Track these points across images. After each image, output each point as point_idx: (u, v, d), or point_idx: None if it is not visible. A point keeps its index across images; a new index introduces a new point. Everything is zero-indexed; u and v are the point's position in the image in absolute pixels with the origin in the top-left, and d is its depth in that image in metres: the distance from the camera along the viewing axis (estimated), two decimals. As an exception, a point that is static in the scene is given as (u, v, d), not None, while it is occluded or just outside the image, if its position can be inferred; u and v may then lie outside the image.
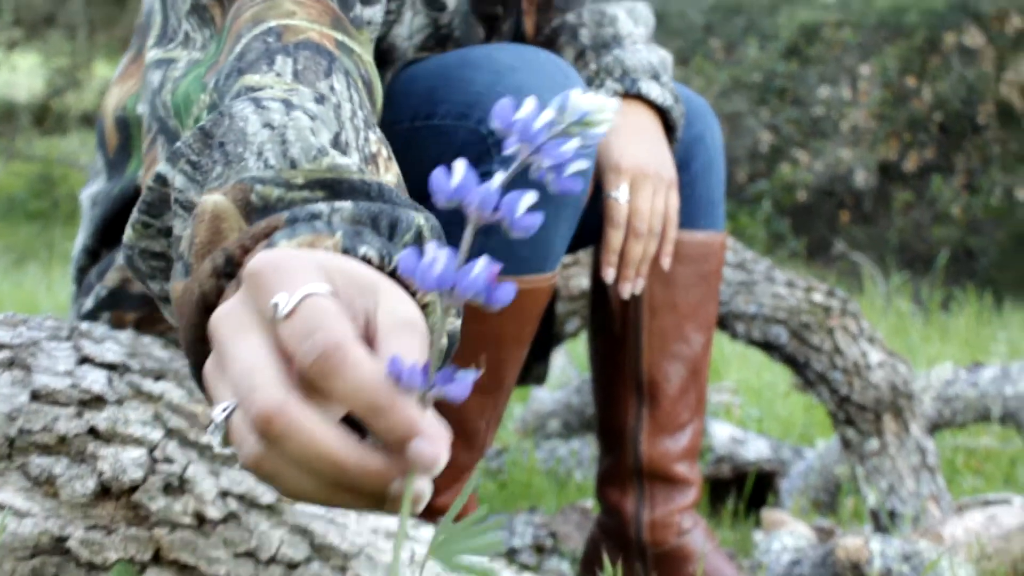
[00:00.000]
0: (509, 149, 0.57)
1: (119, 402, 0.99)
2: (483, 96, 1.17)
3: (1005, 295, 11.20)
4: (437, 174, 0.57)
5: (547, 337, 1.63)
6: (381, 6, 1.08)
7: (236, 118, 0.76)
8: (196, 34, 1.03)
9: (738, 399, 3.31)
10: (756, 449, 2.60)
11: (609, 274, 1.40)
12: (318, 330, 0.54)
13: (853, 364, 2.07)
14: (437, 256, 0.54)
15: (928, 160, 9.49)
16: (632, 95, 1.45)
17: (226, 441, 0.59)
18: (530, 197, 0.56)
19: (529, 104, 0.57)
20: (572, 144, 0.56)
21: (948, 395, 2.45)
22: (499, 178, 0.56)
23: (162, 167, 0.77)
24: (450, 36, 1.34)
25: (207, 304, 0.65)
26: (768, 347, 2.11)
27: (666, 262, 1.44)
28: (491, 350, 1.30)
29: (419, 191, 0.82)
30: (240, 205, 0.69)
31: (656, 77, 1.46)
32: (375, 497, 0.55)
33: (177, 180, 0.76)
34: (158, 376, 1.05)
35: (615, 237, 1.38)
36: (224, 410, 0.58)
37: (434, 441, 0.53)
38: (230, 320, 0.60)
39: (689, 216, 1.56)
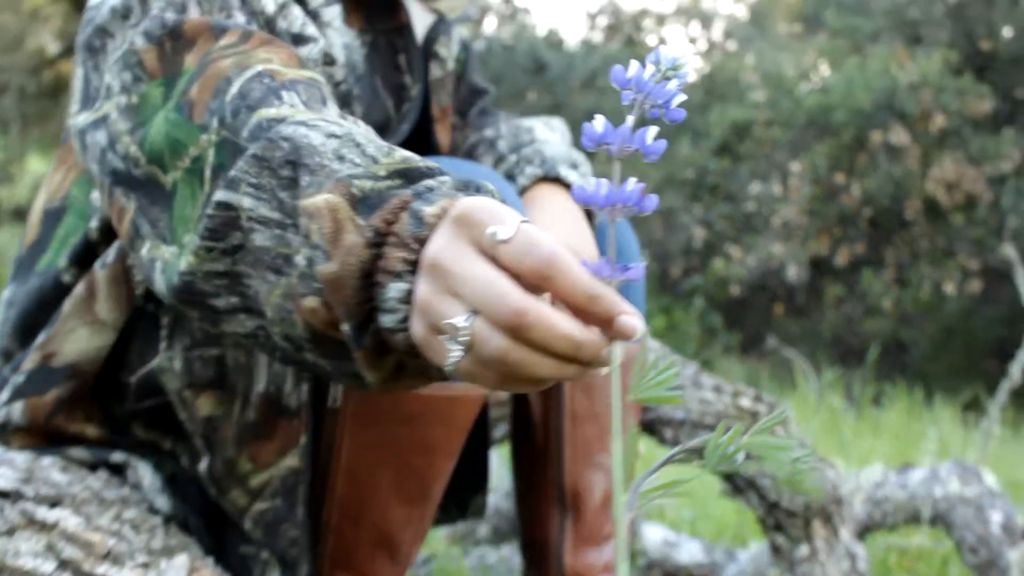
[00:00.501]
0: (628, 100, 0.72)
1: (9, 532, 0.95)
2: None
3: (936, 389, 11.33)
4: (587, 126, 0.72)
5: (483, 467, 1.60)
6: (312, 45, 1.15)
7: (295, 139, 0.87)
8: (120, 84, 1.05)
9: (671, 500, 3.28)
10: (689, 552, 2.56)
11: None
12: (537, 246, 0.70)
13: (781, 469, 2.06)
14: (600, 183, 0.71)
15: (858, 255, 9.65)
16: (551, 179, 1.45)
17: (468, 347, 0.72)
18: (653, 130, 0.72)
19: (634, 65, 0.73)
20: (672, 84, 0.72)
21: (878, 497, 2.44)
22: (630, 121, 0.72)
23: (222, 195, 0.88)
24: (350, 94, 1.31)
25: (366, 271, 0.78)
26: (695, 453, 2.09)
27: None
28: (419, 458, 1.27)
29: None
30: (347, 198, 0.81)
31: (574, 167, 1.47)
32: (594, 363, 0.71)
33: (245, 202, 0.87)
34: (54, 503, 1.01)
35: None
36: (466, 319, 0.71)
37: (633, 315, 0.70)
38: (450, 252, 0.73)
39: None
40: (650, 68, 0.73)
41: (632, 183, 0.72)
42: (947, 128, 8.66)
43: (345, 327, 0.81)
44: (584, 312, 0.71)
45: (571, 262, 0.71)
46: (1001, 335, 13.06)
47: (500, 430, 2.22)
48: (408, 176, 0.83)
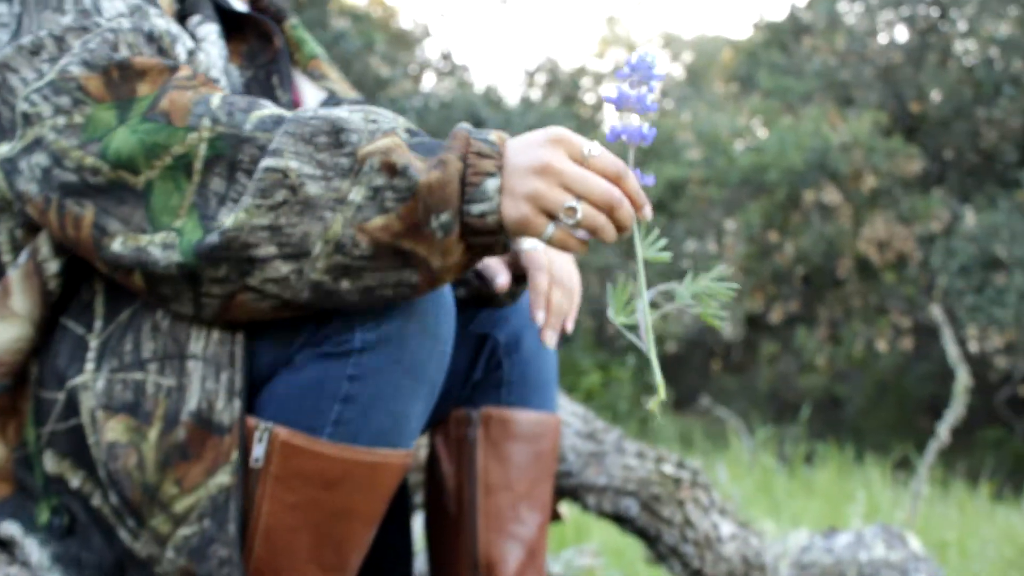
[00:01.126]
0: (618, 103, 1.11)
1: None
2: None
3: (868, 446, 11.41)
4: (612, 128, 1.12)
5: (406, 537, 1.57)
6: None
7: (325, 115, 1.10)
8: (52, 108, 1.13)
9: (600, 561, 3.24)
10: (615, 619, 2.52)
11: (539, 317, 1.37)
12: (613, 160, 1.08)
13: (704, 537, 2.03)
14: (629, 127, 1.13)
15: (792, 312, 9.73)
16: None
17: (578, 223, 1.07)
18: (648, 126, 1.12)
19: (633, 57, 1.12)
20: (645, 91, 1.11)
21: (804, 562, 2.42)
22: (635, 121, 1.12)
23: (269, 161, 1.08)
24: None
25: (461, 176, 1.07)
26: (619, 520, 2.06)
27: (570, 326, 1.43)
28: (339, 525, 1.24)
29: (281, 353, 1.21)
30: (402, 140, 1.09)
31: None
32: (627, 228, 1.09)
33: (292, 164, 1.08)
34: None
35: (542, 280, 1.39)
36: (577, 202, 1.06)
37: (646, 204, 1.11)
38: (557, 159, 1.07)
39: (521, 397, 1.54)
40: (627, 74, 1.12)
41: (646, 127, 1.12)
42: (878, 188, 8.79)
43: (444, 216, 1.06)
44: (633, 200, 1.09)
45: (629, 172, 1.10)
46: (933, 392, 13.22)
47: (417, 497, 2.18)
48: (415, 133, 1.12)
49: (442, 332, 1.20)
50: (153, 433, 1.15)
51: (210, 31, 1.33)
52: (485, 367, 1.56)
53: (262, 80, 1.43)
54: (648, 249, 1.12)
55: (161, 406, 1.16)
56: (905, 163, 8.82)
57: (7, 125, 1.18)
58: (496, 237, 1.09)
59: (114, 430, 1.16)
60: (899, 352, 9.76)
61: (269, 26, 1.43)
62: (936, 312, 3.79)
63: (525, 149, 1.08)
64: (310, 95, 1.55)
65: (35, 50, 1.18)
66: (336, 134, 1.10)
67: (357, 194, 1.08)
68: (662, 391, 1.10)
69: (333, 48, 9.51)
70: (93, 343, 1.20)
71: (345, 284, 1.10)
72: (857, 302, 9.27)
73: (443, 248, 1.08)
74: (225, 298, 1.14)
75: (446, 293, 1.21)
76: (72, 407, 1.20)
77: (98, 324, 1.22)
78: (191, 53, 1.25)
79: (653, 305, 1.18)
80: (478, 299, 1.49)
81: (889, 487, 4.78)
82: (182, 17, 1.34)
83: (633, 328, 1.18)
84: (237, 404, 1.16)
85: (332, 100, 1.55)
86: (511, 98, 13.90)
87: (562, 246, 1.10)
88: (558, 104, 13.19)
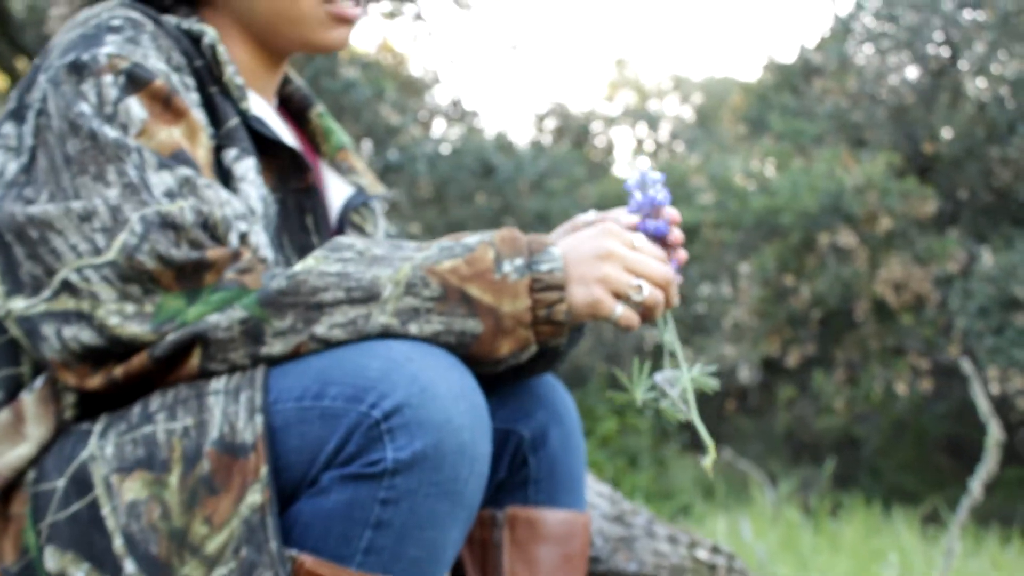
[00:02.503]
0: (634, 211, 1.30)
1: None
2: (378, 382, 1.12)
3: (891, 492, 11.26)
4: (641, 226, 1.29)
5: None
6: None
7: (357, 248, 1.18)
8: (117, 294, 1.14)
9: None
10: None
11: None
12: (658, 250, 1.24)
13: (741, 624, 1.94)
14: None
15: (809, 355, 9.63)
16: None
17: (643, 300, 1.20)
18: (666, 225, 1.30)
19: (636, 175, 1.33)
20: (660, 203, 1.31)
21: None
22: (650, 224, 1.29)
23: (339, 238, 1.20)
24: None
25: (529, 244, 1.19)
26: None
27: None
28: None
29: (304, 471, 1.12)
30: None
31: None
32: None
33: (359, 243, 1.18)
34: None
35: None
36: (639, 285, 1.19)
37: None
38: (616, 247, 1.20)
39: (549, 495, 1.48)
40: (639, 192, 1.30)
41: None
42: (893, 230, 8.71)
43: (518, 261, 1.15)
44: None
45: (666, 257, 1.25)
46: (951, 431, 13.09)
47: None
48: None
49: (480, 450, 1.13)
50: (174, 478, 1.11)
51: (248, 168, 1.31)
52: (510, 465, 1.50)
53: (292, 209, 1.41)
54: (667, 332, 1.30)
55: (177, 448, 1.12)
56: (919, 204, 8.75)
57: (26, 279, 1.17)
58: (560, 294, 1.17)
59: (131, 489, 1.12)
60: (917, 393, 9.65)
61: (303, 159, 1.40)
62: (965, 365, 3.70)
63: (583, 242, 1.21)
64: (337, 189, 1.53)
65: (86, 217, 1.15)
66: (396, 244, 1.21)
67: (427, 251, 1.16)
68: (713, 451, 1.26)
69: (343, 97, 9.50)
70: (98, 427, 1.18)
71: (413, 328, 1.14)
72: (875, 344, 9.17)
73: (513, 292, 1.15)
74: (287, 354, 1.15)
75: (483, 409, 1.14)
76: (76, 489, 1.15)
77: (103, 416, 1.19)
78: (243, 236, 1.24)
79: (653, 389, 1.30)
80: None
81: (918, 541, 4.68)
82: (218, 148, 1.30)
83: (656, 402, 1.29)
84: (259, 419, 1.12)
85: (359, 196, 1.54)
86: (521, 143, 13.90)
87: (627, 324, 1.22)
88: (568, 148, 13.16)
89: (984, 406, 3.68)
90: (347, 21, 1.44)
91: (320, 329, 1.13)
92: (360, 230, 1.55)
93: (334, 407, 1.12)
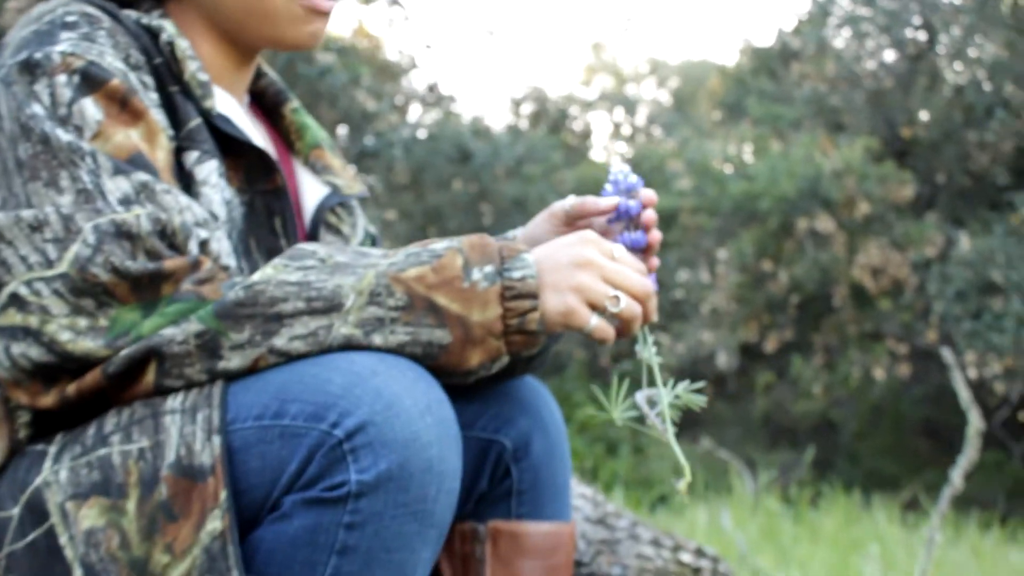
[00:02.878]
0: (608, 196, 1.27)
1: None
2: (340, 399, 1.05)
3: (869, 478, 11.28)
4: (619, 239, 1.27)
5: None
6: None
7: (319, 255, 1.12)
8: (69, 308, 1.09)
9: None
10: None
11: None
12: (638, 262, 1.18)
13: (726, 628, 1.91)
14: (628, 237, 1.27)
15: (787, 341, 9.63)
16: None
17: (619, 312, 1.13)
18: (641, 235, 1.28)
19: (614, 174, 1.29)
20: (633, 202, 1.26)
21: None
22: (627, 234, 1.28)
23: (302, 244, 1.14)
24: (236, 251, 1.29)
25: (500, 249, 1.12)
26: None
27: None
28: None
29: (265, 494, 1.06)
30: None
31: None
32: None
33: (321, 249, 1.12)
34: None
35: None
36: (616, 296, 1.12)
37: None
38: (595, 256, 1.13)
39: (533, 507, 1.42)
40: (611, 188, 1.27)
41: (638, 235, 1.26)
42: (871, 214, 8.70)
43: (488, 268, 1.09)
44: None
45: (644, 268, 1.19)
46: (928, 414, 13.14)
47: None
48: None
49: (449, 466, 1.07)
50: (131, 504, 1.05)
51: (210, 171, 1.24)
52: (491, 476, 1.44)
53: (260, 211, 1.34)
54: (646, 350, 1.24)
55: (133, 472, 1.06)
56: (897, 189, 8.74)
57: None
58: (533, 302, 1.11)
59: (88, 517, 1.06)
60: (895, 377, 9.66)
61: (270, 160, 1.33)
62: (946, 354, 3.68)
63: (559, 249, 1.15)
64: (311, 190, 1.47)
65: (37, 226, 1.09)
66: (361, 251, 1.15)
67: (392, 258, 1.11)
68: (688, 474, 1.19)
69: (319, 83, 9.41)
70: (52, 449, 1.11)
71: (377, 340, 1.09)
72: (852, 329, 9.17)
73: (483, 301, 1.09)
74: (246, 369, 1.09)
75: (452, 422, 1.08)
76: (31, 518, 1.10)
77: (58, 436, 1.13)
78: (203, 244, 1.17)
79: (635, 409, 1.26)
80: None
81: (899, 530, 4.66)
82: (179, 150, 1.23)
83: (639, 420, 1.24)
84: (217, 440, 1.06)
85: (333, 196, 1.47)
86: (498, 127, 13.83)
87: (601, 337, 1.15)
88: (545, 133, 13.11)
89: (965, 395, 3.66)
90: (321, 14, 1.36)
91: (279, 342, 1.08)
92: (336, 231, 1.49)
93: (295, 426, 1.06)
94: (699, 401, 1.25)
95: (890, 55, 9.68)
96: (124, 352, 1.07)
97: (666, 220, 9.68)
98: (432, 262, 1.10)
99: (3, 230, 1.09)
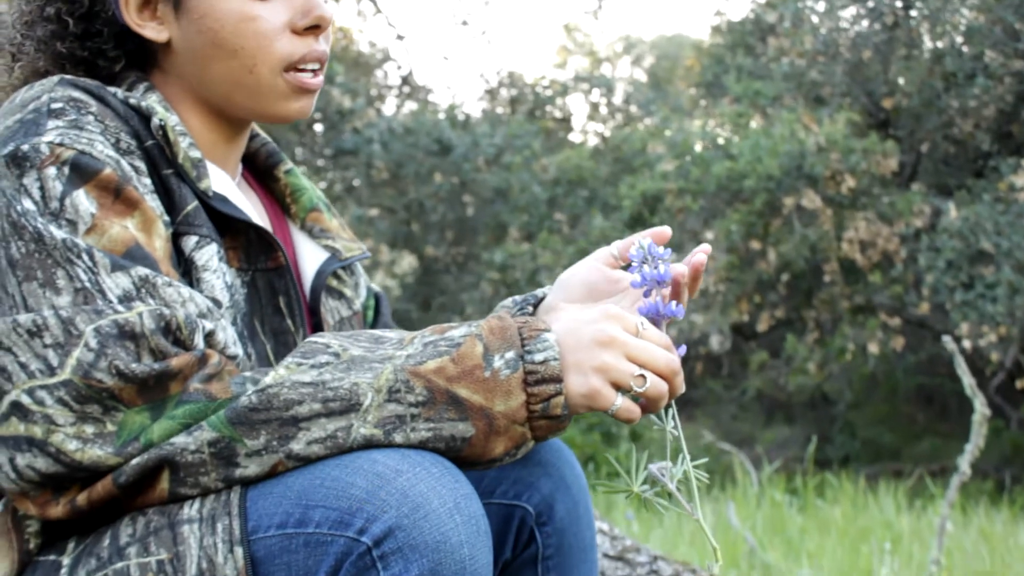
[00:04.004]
0: (639, 286, 1.18)
1: None
2: (365, 503, 1.01)
3: (872, 462, 11.27)
4: (641, 308, 1.17)
5: None
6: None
7: (332, 349, 1.08)
8: (74, 417, 1.04)
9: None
10: None
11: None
12: (664, 336, 1.14)
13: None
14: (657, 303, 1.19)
15: (780, 319, 9.59)
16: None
17: (642, 393, 1.09)
18: (673, 303, 1.20)
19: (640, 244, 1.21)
20: (662, 268, 1.19)
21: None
22: (654, 298, 1.18)
23: (314, 337, 1.10)
24: (242, 335, 1.26)
25: (520, 330, 1.09)
26: None
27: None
28: None
29: None
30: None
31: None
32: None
33: (334, 341, 1.09)
34: None
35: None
36: (642, 375, 1.08)
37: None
38: (618, 333, 1.09)
39: (560, 571, 1.38)
40: (644, 262, 1.19)
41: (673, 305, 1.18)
42: (857, 188, 8.65)
43: (509, 354, 1.06)
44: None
45: (673, 346, 1.14)
46: (922, 382, 13.15)
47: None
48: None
49: (480, 562, 1.03)
50: None
51: (210, 256, 1.20)
52: (515, 543, 1.38)
53: (262, 289, 1.30)
54: (668, 422, 1.19)
55: None
56: (882, 161, 8.69)
57: None
58: (557, 386, 1.07)
59: None
60: (889, 349, 9.63)
61: (271, 238, 1.29)
62: (949, 342, 3.61)
63: (582, 326, 1.11)
64: (310, 255, 1.43)
65: (36, 331, 1.04)
66: (376, 337, 1.12)
67: (408, 349, 1.07)
68: (719, 555, 1.15)
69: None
70: (66, 561, 1.07)
71: (398, 438, 1.05)
72: (845, 305, 9.13)
73: (506, 390, 1.05)
74: (263, 475, 1.05)
75: (481, 518, 1.03)
76: None
77: (71, 545, 1.09)
78: (208, 335, 1.12)
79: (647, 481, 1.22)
80: None
81: (907, 517, 4.62)
82: (176, 234, 1.19)
83: (662, 496, 1.20)
84: (240, 552, 1.02)
85: (332, 262, 1.43)
86: (475, 114, 13.73)
87: (626, 417, 1.11)
88: (524, 119, 13.01)
89: (969, 382, 3.60)
90: (308, 91, 1.31)
91: (297, 446, 1.03)
92: (338, 294, 1.45)
93: (320, 534, 1.01)
94: (703, 478, 1.22)
95: (866, 25, 9.61)
96: (136, 461, 1.03)
97: (650, 204, 9.62)
98: (451, 352, 1.06)
99: (1, 337, 1.05)
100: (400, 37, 13.90)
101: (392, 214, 11.89)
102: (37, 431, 1.03)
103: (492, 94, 14.06)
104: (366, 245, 9.91)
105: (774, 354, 10.02)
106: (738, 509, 4.67)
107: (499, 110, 14.23)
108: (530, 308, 1.31)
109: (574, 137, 14.63)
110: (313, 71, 1.31)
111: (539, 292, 1.35)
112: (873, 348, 8.99)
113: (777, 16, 10.20)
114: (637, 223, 9.83)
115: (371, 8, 12.77)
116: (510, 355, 1.06)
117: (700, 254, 1.26)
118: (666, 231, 1.27)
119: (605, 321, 1.10)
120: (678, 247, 9.47)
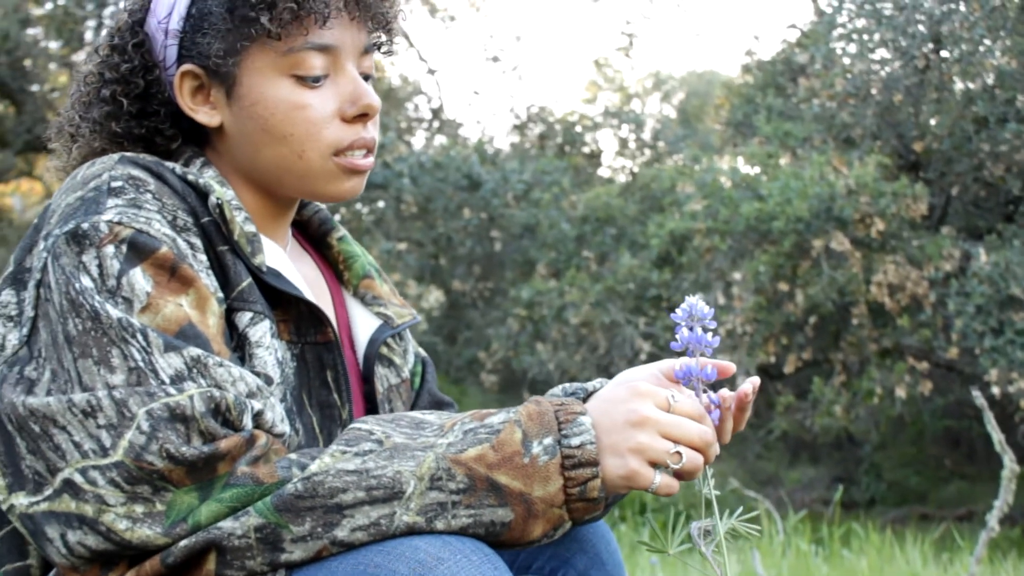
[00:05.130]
0: (679, 347, 1.21)
1: None
2: None
3: (894, 497, 11.15)
4: (678, 371, 1.21)
5: None
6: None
7: (376, 436, 1.11)
8: (124, 497, 1.06)
9: None
10: None
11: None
12: (696, 405, 1.16)
13: None
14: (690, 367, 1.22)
15: (807, 361, 9.53)
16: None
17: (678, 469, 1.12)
18: (711, 367, 1.22)
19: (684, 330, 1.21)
20: (709, 336, 1.22)
21: None
22: (694, 362, 1.21)
23: (356, 423, 1.14)
24: (291, 411, 1.28)
25: (556, 414, 1.13)
26: None
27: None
28: None
29: None
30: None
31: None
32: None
33: (376, 427, 1.12)
34: None
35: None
36: (678, 452, 1.11)
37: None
38: (651, 411, 1.12)
39: None
40: (685, 325, 1.22)
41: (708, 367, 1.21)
42: (886, 232, 8.62)
43: (548, 440, 1.09)
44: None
45: (706, 413, 1.16)
46: (949, 425, 13.02)
47: None
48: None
49: None
50: None
51: (264, 332, 1.23)
52: None
53: (311, 363, 1.32)
54: (704, 485, 1.22)
55: None
56: (912, 204, 8.65)
57: (28, 475, 1.10)
58: (594, 470, 1.10)
59: None
60: (916, 393, 9.55)
61: (321, 313, 1.32)
62: (978, 397, 3.59)
63: (614, 406, 1.13)
64: (363, 322, 1.47)
65: (90, 412, 1.07)
66: (417, 422, 1.14)
67: (449, 437, 1.10)
68: None
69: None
70: None
71: (439, 525, 1.07)
72: (872, 348, 9.07)
73: (544, 475, 1.08)
74: (308, 560, 1.07)
75: None
76: None
77: None
78: (257, 414, 1.15)
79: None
80: None
81: (932, 568, 4.57)
82: (230, 310, 1.22)
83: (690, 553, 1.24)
84: None
85: (386, 328, 1.47)
86: (504, 151, 13.77)
87: (666, 493, 1.14)
88: (553, 155, 13.05)
89: (998, 438, 3.57)
90: (359, 172, 1.34)
91: (341, 533, 1.06)
92: (388, 362, 1.48)
93: None
94: (753, 532, 1.24)
95: (897, 67, 9.60)
96: (184, 543, 1.05)
97: (678, 243, 9.62)
98: (491, 440, 1.09)
99: (56, 415, 1.07)
100: (432, 71, 13.95)
101: (420, 248, 11.93)
102: (88, 509, 1.05)
103: (521, 129, 14.10)
104: (394, 279, 9.95)
105: (800, 395, 9.96)
106: (763, 558, 4.64)
107: (527, 145, 14.28)
108: (581, 398, 1.32)
109: (602, 172, 14.65)
110: (365, 151, 1.34)
111: (589, 385, 1.36)
112: (900, 392, 8.93)
113: (808, 57, 10.20)
114: (665, 262, 9.82)
115: (403, 42, 12.87)
116: (548, 441, 1.09)
117: (748, 384, 1.27)
118: (730, 367, 1.27)
119: (637, 400, 1.13)
120: (705, 287, 9.46)
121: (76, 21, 10.01)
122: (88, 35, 10.45)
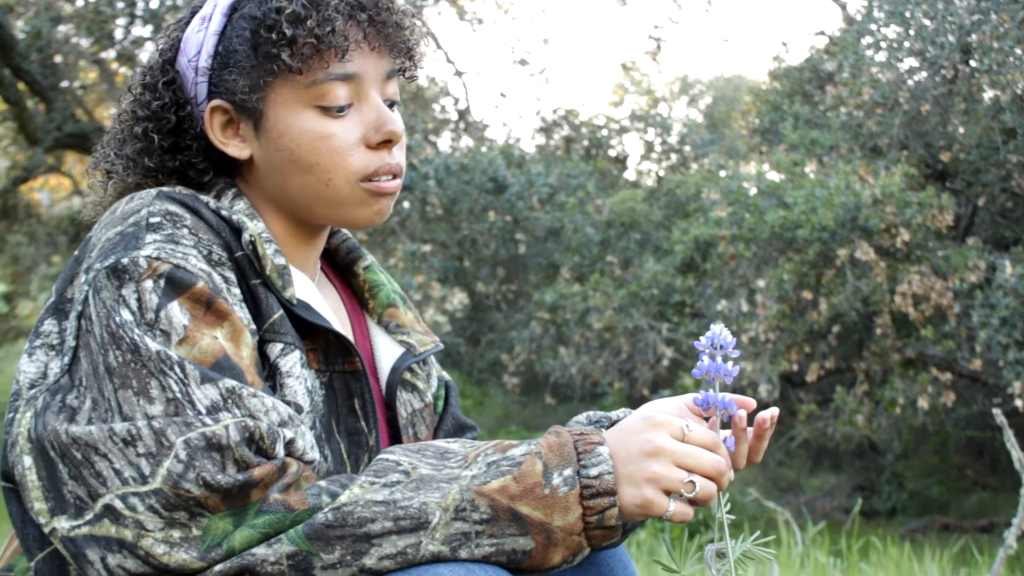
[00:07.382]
0: (700, 374, 1.26)
1: None
2: None
3: (915, 506, 11.10)
4: (697, 399, 1.26)
5: None
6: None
7: (403, 467, 1.15)
8: (163, 523, 1.11)
9: None
10: None
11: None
12: (710, 434, 1.21)
13: None
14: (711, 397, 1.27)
15: (829, 370, 9.51)
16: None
17: (693, 497, 1.18)
18: (731, 399, 1.27)
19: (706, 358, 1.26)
20: (730, 364, 1.28)
21: None
22: (714, 392, 1.26)
23: (384, 455, 1.19)
24: (320, 438, 1.33)
25: (575, 444, 1.18)
26: None
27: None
28: None
29: None
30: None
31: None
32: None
33: (403, 458, 1.17)
34: None
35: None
36: (691, 481, 1.16)
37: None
38: (665, 441, 1.17)
39: None
40: (707, 353, 1.26)
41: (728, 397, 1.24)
42: (912, 242, 8.59)
43: (567, 471, 1.13)
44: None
45: (720, 442, 1.20)
46: (972, 435, 12.95)
47: None
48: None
49: None
50: None
51: (294, 362, 1.29)
52: None
53: (339, 391, 1.37)
54: (718, 509, 1.26)
55: None
56: (938, 215, 8.62)
57: (70, 499, 1.15)
58: (611, 499, 1.15)
59: None
60: (939, 404, 9.52)
61: (349, 344, 1.37)
62: (999, 415, 3.59)
63: (631, 436, 1.19)
64: (386, 350, 1.52)
65: (130, 440, 1.13)
66: (442, 452, 1.20)
67: (473, 468, 1.15)
68: None
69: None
70: None
71: (463, 554, 1.12)
72: (895, 358, 9.04)
73: (564, 506, 1.13)
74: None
75: None
76: None
77: None
78: (289, 443, 1.20)
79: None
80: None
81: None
82: (262, 341, 1.28)
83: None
84: None
85: (409, 356, 1.52)
86: (530, 154, 13.78)
87: (680, 520, 1.19)
88: (579, 159, 13.06)
89: (1017, 456, 3.57)
90: (386, 195, 1.39)
91: (370, 561, 1.11)
92: (412, 387, 1.52)
93: None
94: (768, 556, 1.31)
95: (925, 77, 9.56)
96: (219, 568, 1.11)
97: (702, 250, 9.61)
98: (513, 471, 1.14)
99: (97, 443, 1.12)
100: (459, 73, 13.98)
101: (445, 249, 11.95)
102: (128, 534, 1.10)
103: (547, 132, 14.11)
104: (418, 281, 9.98)
105: (822, 403, 9.94)
106: (782, 571, 4.65)
107: (553, 148, 14.28)
108: (604, 427, 1.37)
109: (628, 176, 14.64)
110: (392, 174, 1.38)
111: (613, 415, 1.41)
112: (923, 402, 8.90)
113: (836, 65, 10.17)
114: (689, 268, 9.81)
115: (432, 44, 12.91)
116: (568, 472, 1.14)
117: (768, 413, 1.30)
118: (750, 402, 1.32)
119: (652, 431, 1.19)
120: (728, 294, 9.45)
121: (106, 19, 10.08)
122: (118, 33, 10.52)
